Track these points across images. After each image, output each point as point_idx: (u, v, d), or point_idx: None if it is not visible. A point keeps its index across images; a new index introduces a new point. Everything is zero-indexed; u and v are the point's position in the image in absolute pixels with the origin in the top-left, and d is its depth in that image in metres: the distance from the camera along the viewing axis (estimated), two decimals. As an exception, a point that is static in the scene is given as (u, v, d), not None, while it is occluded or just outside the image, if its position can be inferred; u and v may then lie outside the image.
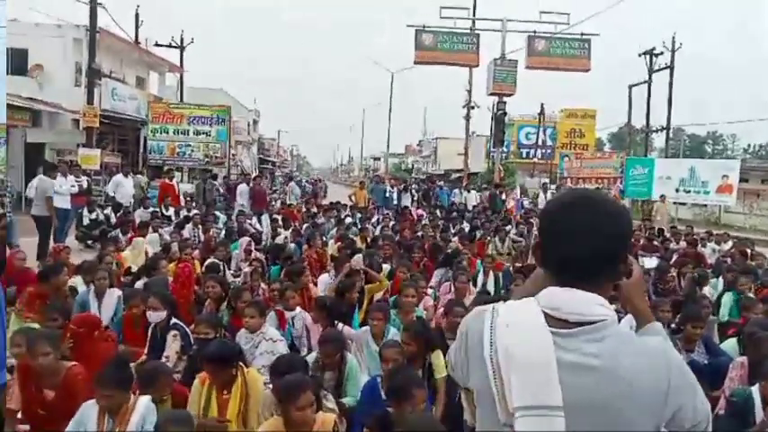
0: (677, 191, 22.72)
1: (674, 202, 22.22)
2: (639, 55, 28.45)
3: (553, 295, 1.32)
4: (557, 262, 1.36)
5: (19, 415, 3.83)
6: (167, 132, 21.98)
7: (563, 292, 1.31)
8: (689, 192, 22.90)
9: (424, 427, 3.06)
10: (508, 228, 13.18)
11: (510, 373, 1.24)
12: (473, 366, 1.34)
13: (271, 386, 3.71)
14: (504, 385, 1.24)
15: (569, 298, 1.30)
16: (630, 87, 29.43)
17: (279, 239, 11.07)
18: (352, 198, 19.30)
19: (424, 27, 25.10)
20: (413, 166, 65.77)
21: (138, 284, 6.77)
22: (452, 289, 6.92)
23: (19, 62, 21.62)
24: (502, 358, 1.26)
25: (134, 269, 8.02)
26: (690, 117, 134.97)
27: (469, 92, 30.27)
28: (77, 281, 6.50)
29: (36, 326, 5.18)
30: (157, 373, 3.78)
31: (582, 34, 25.22)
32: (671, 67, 27.67)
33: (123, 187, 14.73)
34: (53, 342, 3.73)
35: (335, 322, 5.27)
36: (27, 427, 3.82)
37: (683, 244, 12.42)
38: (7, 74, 21.10)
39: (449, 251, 9.16)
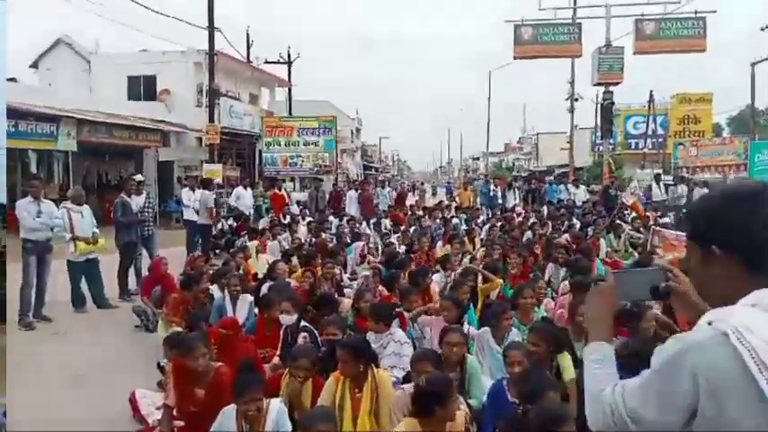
0: (811, 175, 20.55)
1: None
2: (762, 29, 26.02)
3: None
4: (763, 255, 1.30)
5: (174, 412, 4.16)
6: (279, 144, 23.02)
7: None
8: (824, 175, 20.62)
9: (555, 419, 2.98)
10: (622, 223, 12.54)
11: None
12: (737, 405, 1.18)
13: (402, 387, 3.76)
14: None
15: None
16: (753, 65, 27.02)
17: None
18: (457, 199, 19.20)
19: (522, 21, 24.46)
20: (513, 163, 64.27)
21: (264, 289, 7.11)
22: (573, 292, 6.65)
23: (149, 88, 23.58)
24: None
25: (260, 275, 8.43)
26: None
27: (572, 83, 29.17)
28: (213, 288, 6.94)
29: (180, 329, 5.61)
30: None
31: (696, 12, 23.40)
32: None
33: (244, 198, 15.55)
34: (207, 344, 4.01)
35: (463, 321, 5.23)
36: (182, 423, 4.13)
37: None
38: (139, 99, 23.22)
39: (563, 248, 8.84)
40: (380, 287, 6.97)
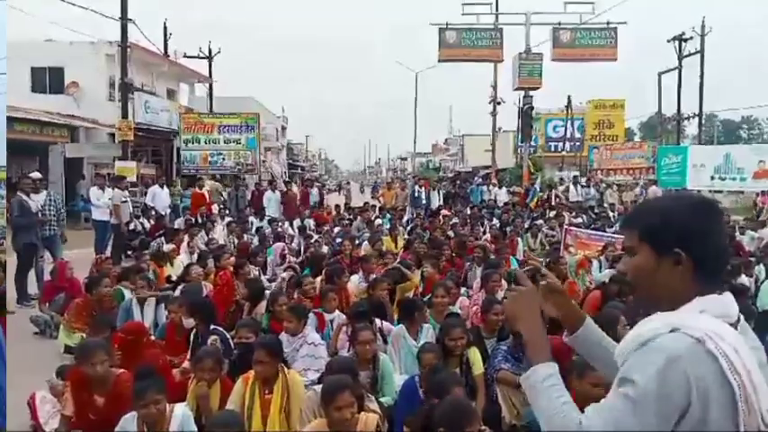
0: (712, 178, 22.14)
1: (710, 191, 21.72)
2: (668, 41, 27.86)
3: (721, 304, 1.40)
4: (715, 263, 1.43)
5: (73, 420, 3.98)
6: (199, 142, 22.41)
7: (725, 298, 1.41)
8: (724, 179, 22.28)
9: (460, 413, 3.10)
10: (539, 222, 13.08)
11: (753, 386, 1.31)
12: (717, 405, 1.30)
13: (313, 388, 3.78)
14: (749, 398, 1.30)
15: (730, 302, 1.41)
16: (660, 75, 28.84)
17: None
18: (381, 199, 19.39)
19: (447, 25, 25.02)
20: (440, 164, 65.51)
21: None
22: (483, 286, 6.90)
23: (56, 81, 22.31)
24: (745, 378, 1.30)
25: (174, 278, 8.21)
26: (723, 103, 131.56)
27: (495, 87, 30.07)
28: (127, 292, 6.70)
29: (82, 336, 5.37)
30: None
31: (608, 23, 24.81)
32: (701, 52, 27.03)
33: (159, 197, 15.07)
34: (107, 350, 3.87)
35: (372, 319, 5.31)
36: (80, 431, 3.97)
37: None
38: (45, 92, 21.93)
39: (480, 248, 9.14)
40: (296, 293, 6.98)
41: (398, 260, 7.99)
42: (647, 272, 1.46)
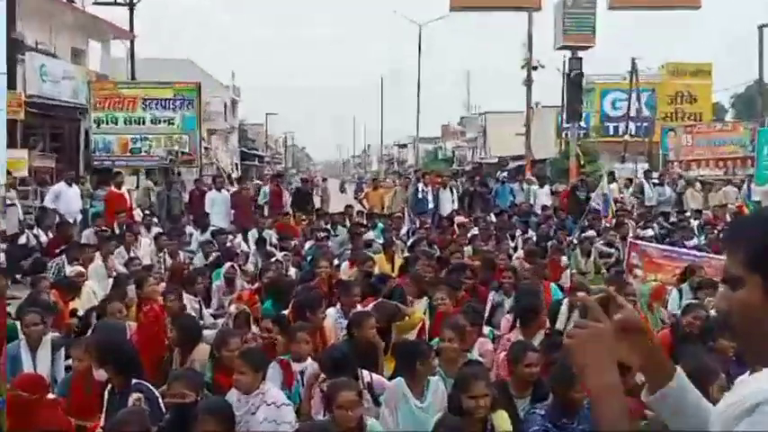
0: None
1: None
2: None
3: None
4: None
5: None
6: (116, 122, 22.36)
7: None
8: None
9: None
10: (592, 235, 13.13)
11: None
12: None
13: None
14: None
15: None
16: (761, 28, 29.07)
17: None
18: (364, 202, 19.44)
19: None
20: (453, 153, 65.74)
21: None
22: (517, 325, 6.92)
23: None
24: None
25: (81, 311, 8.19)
26: None
27: (529, 46, 30.19)
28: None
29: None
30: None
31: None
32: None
33: (66, 200, 15.07)
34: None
35: (358, 371, 5.32)
36: None
37: None
38: None
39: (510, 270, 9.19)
40: (254, 329, 6.95)
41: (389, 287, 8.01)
42: (758, 312, 1.47)
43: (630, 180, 22.68)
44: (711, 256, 10.68)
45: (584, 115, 30.71)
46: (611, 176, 20.01)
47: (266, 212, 17.32)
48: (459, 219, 16.94)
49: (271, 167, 53.94)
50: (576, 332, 1.64)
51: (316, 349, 6.13)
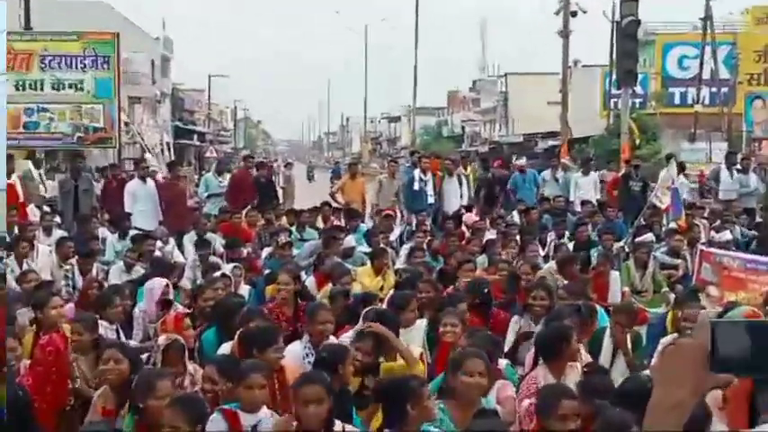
0: None
1: None
2: None
3: None
4: None
5: None
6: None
7: None
8: None
9: None
10: (648, 238, 13.23)
11: None
12: None
13: None
14: None
15: None
16: None
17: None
18: (339, 196, 19.40)
19: None
20: (463, 129, 65.81)
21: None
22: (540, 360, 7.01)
23: None
24: None
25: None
26: None
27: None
28: None
29: None
30: None
31: None
32: None
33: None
34: None
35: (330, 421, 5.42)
36: None
37: None
38: None
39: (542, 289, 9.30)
40: (190, 366, 7.01)
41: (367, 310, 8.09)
42: None
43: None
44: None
45: (640, 78, 30.79)
46: (680, 164, 19.97)
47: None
48: (470, 218, 16.99)
49: (215, 148, 53.39)
50: (678, 346, 1.81)
51: (274, 396, 6.22)
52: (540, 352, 6.88)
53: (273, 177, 23.50)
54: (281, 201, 21.12)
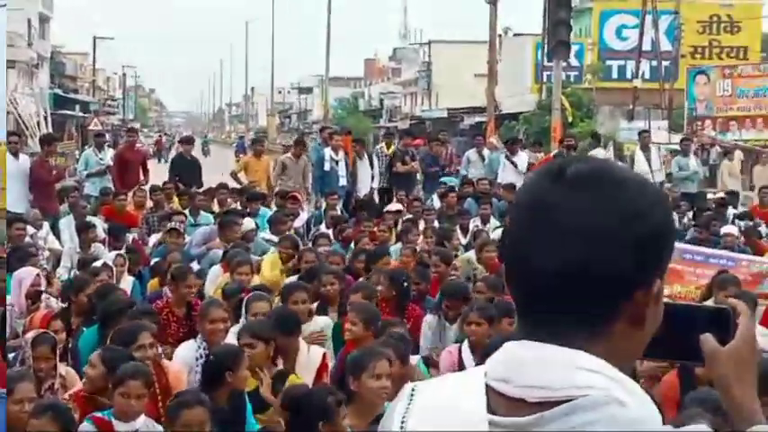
0: None
1: None
2: None
3: (507, 357, 1.49)
4: (516, 289, 1.55)
5: None
6: None
7: (522, 349, 1.48)
8: None
9: None
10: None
11: None
12: None
13: None
14: None
15: (531, 360, 1.45)
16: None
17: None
18: (242, 176, 19.35)
19: None
20: (382, 102, 66.01)
21: None
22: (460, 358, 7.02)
23: None
24: None
25: None
26: None
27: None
28: None
29: None
30: None
31: None
32: None
33: None
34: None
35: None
36: None
37: None
38: None
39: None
40: (62, 369, 6.87)
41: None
42: None
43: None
44: (752, 258, 10.85)
45: (574, 49, 31.09)
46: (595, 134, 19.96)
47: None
48: (394, 206, 16.97)
49: (100, 120, 52.64)
50: (735, 347, 1.69)
51: (155, 403, 6.20)
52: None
53: (163, 153, 23.37)
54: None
